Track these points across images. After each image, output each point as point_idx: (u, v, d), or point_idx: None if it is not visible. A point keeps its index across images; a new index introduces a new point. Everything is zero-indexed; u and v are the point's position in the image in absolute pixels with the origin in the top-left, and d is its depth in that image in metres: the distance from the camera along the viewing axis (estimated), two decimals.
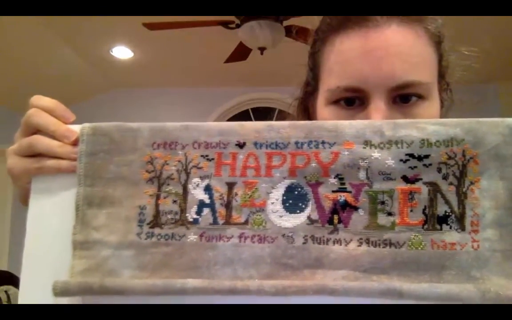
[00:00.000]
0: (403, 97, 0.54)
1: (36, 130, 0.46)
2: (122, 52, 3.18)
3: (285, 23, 2.58)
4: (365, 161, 0.41)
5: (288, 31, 2.59)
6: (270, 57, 2.79)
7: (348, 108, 0.56)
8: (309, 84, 0.65)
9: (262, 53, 2.72)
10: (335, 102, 0.57)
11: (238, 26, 2.59)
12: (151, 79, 3.61)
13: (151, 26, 2.55)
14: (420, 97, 0.55)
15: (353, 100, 0.56)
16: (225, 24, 2.62)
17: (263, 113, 3.68)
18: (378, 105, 0.53)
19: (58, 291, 0.41)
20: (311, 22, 0.64)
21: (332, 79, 0.57)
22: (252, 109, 3.79)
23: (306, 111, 0.68)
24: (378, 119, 0.51)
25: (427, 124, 0.41)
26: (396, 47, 0.54)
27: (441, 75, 0.60)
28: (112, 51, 3.15)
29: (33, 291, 0.44)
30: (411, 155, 0.41)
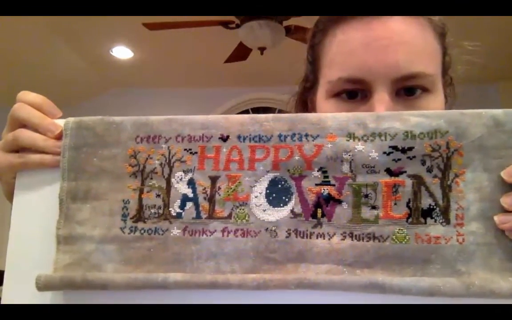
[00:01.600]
0: (407, 90, 0.53)
1: (22, 124, 0.45)
2: (122, 52, 3.18)
3: (285, 23, 2.58)
4: (349, 153, 0.41)
5: (288, 31, 2.59)
6: (270, 57, 2.79)
7: (350, 101, 0.54)
8: (308, 78, 0.63)
9: (262, 53, 2.72)
10: (337, 95, 0.55)
11: (238, 26, 2.59)
12: (151, 79, 3.61)
13: (151, 26, 2.55)
14: (425, 89, 0.53)
15: (355, 93, 0.54)
16: (225, 24, 2.62)
17: (263, 113, 3.66)
18: (382, 97, 0.51)
19: (41, 285, 0.41)
20: (311, 22, 0.63)
21: (333, 70, 0.55)
22: (252, 109, 3.78)
23: (305, 107, 0.66)
24: (381, 112, 0.50)
25: (411, 116, 0.41)
26: (400, 36, 0.52)
27: (445, 69, 0.58)
28: (112, 51, 3.15)
29: (16, 285, 0.44)
30: (395, 148, 0.40)
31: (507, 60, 2.86)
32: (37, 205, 0.45)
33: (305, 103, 0.66)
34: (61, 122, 0.45)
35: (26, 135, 0.45)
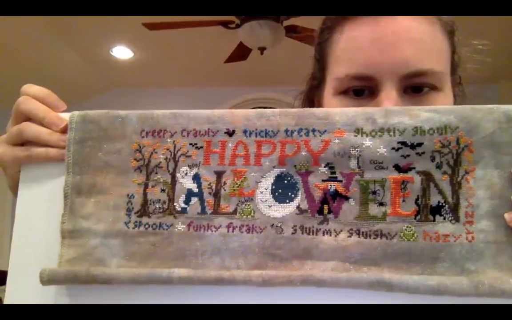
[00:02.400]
0: (415, 87, 0.52)
1: (26, 117, 0.45)
2: (122, 52, 3.18)
3: (285, 23, 2.58)
4: (356, 149, 0.40)
5: (288, 31, 2.59)
6: (270, 57, 2.79)
7: (357, 99, 0.54)
8: (315, 76, 0.63)
9: (262, 53, 2.71)
10: (344, 92, 0.55)
11: (238, 26, 2.59)
12: (151, 79, 3.61)
13: (151, 26, 2.55)
14: (433, 87, 0.52)
15: (362, 90, 0.53)
16: (225, 24, 2.62)
17: None
18: (389, 94, 0.51)
19: (45, 280, 0.41)
20: (311, 22, 0.62)
21: (341, 67, 0.55)
22: (252, 109, 3.78)
23: (312, 105, 0.65)
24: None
25: (420, 111, 0.40)
26: (409, 33, 0.51)
27: (454, 68, 0.57)
28: (112, 51, 3.15)
29: (21, 279, 0.44)
30: (404, 143, 0.40)
31: (507, 61, 2.85)
32: (41, 199, 0.45)
33: (312, 101, 0.66)
34: (66, 116, 0.45)
35: (31, 128, 0.44)
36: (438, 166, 0.39)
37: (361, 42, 0.53)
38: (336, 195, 0.40)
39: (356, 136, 0.40)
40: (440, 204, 0.39)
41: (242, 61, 2.98)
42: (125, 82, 3.66)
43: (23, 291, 0.43)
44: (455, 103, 0.58)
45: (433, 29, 0.53)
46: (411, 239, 0.38)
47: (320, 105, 0.62)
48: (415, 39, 0.52)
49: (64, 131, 0.44)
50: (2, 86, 3.15)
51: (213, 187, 0.42)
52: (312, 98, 0.65)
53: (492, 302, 0.36)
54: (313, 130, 0.41)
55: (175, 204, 0.42)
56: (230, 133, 0.42)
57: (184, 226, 0.41)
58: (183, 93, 3.69)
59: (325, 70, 0.59)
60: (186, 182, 0.42)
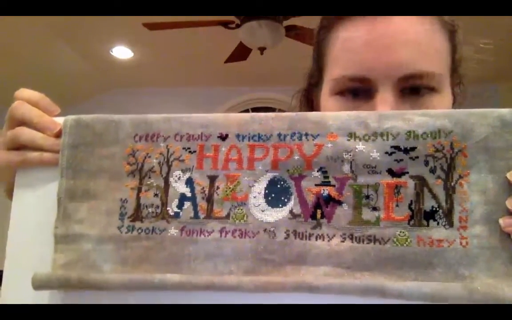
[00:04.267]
0: (412, 89, 0.52)
1: (21, 122, 0.45)
2: (122, 52, 3.18)
3: (285, 23, 2.58)
4: (349, 153, 0.40)
5: (288, 31, 2.59)
6: (270, 57, 2.79)
7: (353, 99, 0.54)
8: (313, 75, 0.63)
9: (262, 53, 2.71)
10: (340, 92, 0.55)
11: (238, 26, 2.58)
12: (151, 79, 3.61)
13: (151, 26, 2.55)
14: (431, 89, 0.52)
15: (358, 91, 0.53)
16: (225, 24, 2.61)
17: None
18: (385, 97, 0.50)
19: (37, 285, 0.41)
20: (311, 22, 0.62)
21: (337, 68, 0.54)
22: (252, 109, 3.78)
23: (310, 103, 0.65)
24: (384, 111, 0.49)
25: (414, 115, 0.40)
26: (406, 34, 0.51)
27: (454, 68, 0.57)
28: (112, 51, 3.15)
29: (15, 284, 0.44)
30: (397, 148, 0.39)
31: (507, 61, 2.85)
32: (36, 203, 0.45)
33: (310, 100, 0.65)
34: (60, 120, 0.45)
35: (25, 133, 0.44)
36: (432, 171, 0.39)
37: (356, 43, 0.53)
38: (329, 199, 0.40)
39: (349, 140, 0.40)
40: (434, 209, 0.38)
41: (242, 61, 2.98)
42: (125, 82, 3.66)
43: (18, 295, 0.43)
44: (455, 103, 0.58)
45: (431, 29, 0.53)
46: (405, 244, 0.38)
47: (318, 104, 0.62)
48: (411, 40, 0.51)
49: (58, 135, 0.44)
50: (2, 86, 3.15)
51: (206, 192, 0.42)
52: (310, 96, 0.65)
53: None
54: (306, 134, 0.41)
55: (168, 208, 0.42)
56: (223, 137, 0.42)
57: (177, 231, 0.41)
58: (183, 93, 3.69)
59: (322, 70, 0.59)
60: (179, 187, 0.42)
